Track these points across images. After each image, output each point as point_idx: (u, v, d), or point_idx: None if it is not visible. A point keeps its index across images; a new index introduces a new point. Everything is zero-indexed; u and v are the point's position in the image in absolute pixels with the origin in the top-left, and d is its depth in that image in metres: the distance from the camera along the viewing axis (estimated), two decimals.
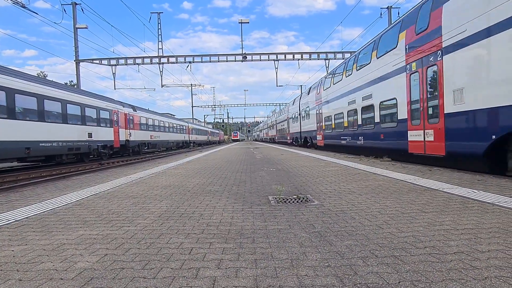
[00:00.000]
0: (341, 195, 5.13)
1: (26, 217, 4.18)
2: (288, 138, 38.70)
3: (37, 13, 21.11)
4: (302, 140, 29.23)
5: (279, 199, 4.98)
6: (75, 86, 31.77)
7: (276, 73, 34.39)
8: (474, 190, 5.07)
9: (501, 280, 2.07)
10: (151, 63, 32.54)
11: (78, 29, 28.14)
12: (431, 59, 9.38)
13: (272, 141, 59.65)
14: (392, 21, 26.07)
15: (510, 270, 2.22)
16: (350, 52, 29.60)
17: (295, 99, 35.24)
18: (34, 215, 4.31)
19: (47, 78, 55.29)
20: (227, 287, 2.11)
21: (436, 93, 9.13)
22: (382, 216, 3.80)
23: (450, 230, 3.16)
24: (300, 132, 30.15)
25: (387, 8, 27.61)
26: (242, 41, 31.70)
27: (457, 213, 3.80)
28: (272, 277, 2.24)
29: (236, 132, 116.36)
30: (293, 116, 33.97)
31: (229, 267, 2.43)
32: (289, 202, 4.76)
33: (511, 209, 3.88)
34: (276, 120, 52.68)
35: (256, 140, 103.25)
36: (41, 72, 66.07)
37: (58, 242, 3.14)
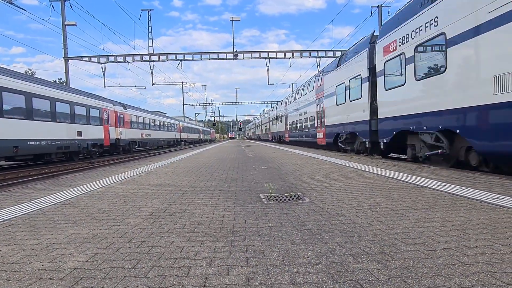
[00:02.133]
0: (332, 193, 5.15)
1: (14, 217, 4.12)
2: (321, 136, 20.04)
3: (24, 10, 20.78)
4: (388, 140, 11.57)
5: (271, 197, 4.99)
6: (64, 84, 31.36)
7: (268, 71, 34.41)
8: (463, 187, 5.14)
9: (488, 276, 2.11)
10: (142, 61, 32.25)
11: (67, 26, 27.75)
12: None
13: (277, 140, 40.19)
14: (382, 19, 26.22)
15: (498, 265, 2.26)
16: (341, 51, 29.71)
17: (340, 58, 17.29)
18: (23, 214, 4.25)
19: (35, 75, 54.49)
20: (218, 285, 2.11)
21: None
22: (372, 213, 3.83)
23: (439, 226, 3.20)
24: (371, 120, 13.11)
25: (378, 6, 27.77)
26: (233, 39, 31.66)
27: (446, 209, 3.85)
28: (263, 275, 2.24)
29: (232, 132, 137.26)
30: (343, 92, 15.93)
31: (220, 265, 2.43)
32: (280, 200, 4.78)
33: (499, 205, 3.95)
34: (286, 109, 33.47)
35: (251, 138, 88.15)
36: (29, 69, 65.18)
37: (47, 241, 3.10)
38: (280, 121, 37.88)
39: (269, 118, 49.58)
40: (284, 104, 35.76)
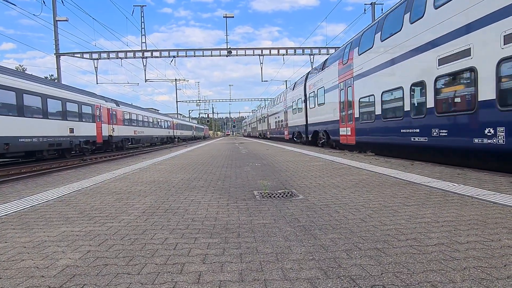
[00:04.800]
0: (325, 189, 5.18)
1: (5, 214, 4.07)
2: None
3: (15, 5, 20.47)
4: None
5: (264, 193, 5.00)
6: (56, 81, 31.03)
7: (261, 68, 34.41)
8: (454, 184, 5.20)
9: (479, 270, 2.14)
10: (134, 57, 32.03)
11: (58, 22, 27.41)
12: None
13: (303, 138, 24.03)
14: (375, 17, 26.26)
15: (488, 260, 2.29)
16: (335, 48, 29.78)
17: None
18: (14, 212, 4.20)
19: (26, 72, 53.84)
20: (212, 281, 2.11)
21: None
22: (365, 209, 3.86)
23: (431, 222, 3.23)
24: None
25: (371, 4, 27.87)
26: (227, 35, 31.64)
27: (438, 206, 3.89)
28: (257, 271, 2.25)
29: (229, 130, 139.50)
30: None
31: (214, 262, 2.43)
32: (274, 196, 4.78)
33: (489, 201, 4.00)
34: (335, 74, 16.68)
35: (249, 136, 74.19)
36: (20, 65, 64.33)
37: (39, 239, 3.07)
38: (313, 106, 20.95)
39: (285, 104, 31.04)
40: (327, 71, 18.10)
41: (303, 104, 23.30)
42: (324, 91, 18.41)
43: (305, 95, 22.86)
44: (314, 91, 20.67)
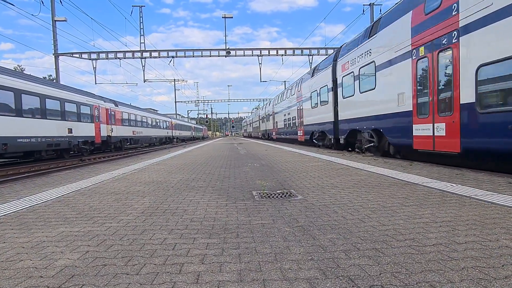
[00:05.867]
0: (324, 190, 5.18)
1: (4, 215, 4.06)
2: None
3: (13, 5, 20.44)
4: None
5: (263, 194, 5.00)
6: (54, 81, 30.98)
7: (260, 68, 34.49)
8: (453, 184, 5.21)
9: (477, 270, 2.15)
10: (133, 58, 32.00)
11: (56, 22, 27.36)
12: None
13: (331, 141, 16.89)
14: (374, 18, 26.26)
15: (486, 260, 2.30)
16: (333, 48, 29.81)
17: None
18: (12, 212, 4.20)
19: (25, 72, 53.75)
20: (211, 281, 2.11)
21: None
22: (364, 210, 3.86)
23: (429, 222, 3.24)
24: None
25: (370, 5, 27.90)
26: (225, 36, 31.59)
27: (436, 206, 3.90)
28: (256, 271, 2.25)
29: (228, 130, 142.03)
30: None
31: (213, 262, 2.43)
32: (273, 197, 4.78)
33: (487, 202, 4.01)
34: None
35: (250, 136, 67.72)
36: (18, 66, 64.30)
37: (37, 239, 3.07)
38: (350, 94, 14.18)
39: (298, 98, 23.79)
40: (382, 36, 11.31)
41: (331, 93, 16.61)
42: (375, 68, 11.81)
43: (335, 81, 16.11)
44: (352, 72, 13.91)
